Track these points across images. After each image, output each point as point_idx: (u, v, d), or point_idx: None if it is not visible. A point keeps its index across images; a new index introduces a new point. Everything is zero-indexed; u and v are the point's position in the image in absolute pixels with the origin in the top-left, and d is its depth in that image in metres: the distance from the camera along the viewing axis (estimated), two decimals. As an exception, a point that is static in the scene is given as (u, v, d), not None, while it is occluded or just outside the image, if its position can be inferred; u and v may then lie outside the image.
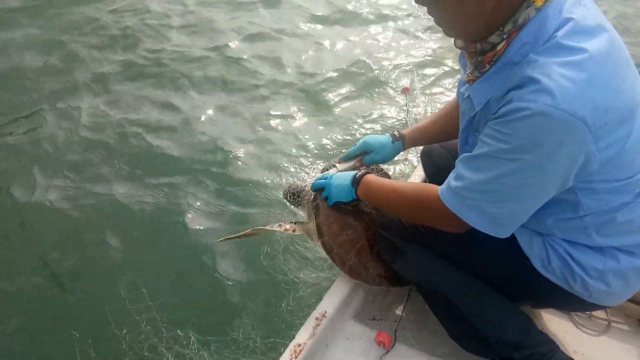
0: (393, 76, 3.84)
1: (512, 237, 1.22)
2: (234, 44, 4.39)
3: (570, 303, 1.29)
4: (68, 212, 2.60)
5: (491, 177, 1.03)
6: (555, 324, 1.67)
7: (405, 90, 3.48)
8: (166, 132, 3.24)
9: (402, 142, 1.67)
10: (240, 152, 3.00)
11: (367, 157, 1.67)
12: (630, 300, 1.65)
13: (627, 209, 1.10)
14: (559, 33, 0.96)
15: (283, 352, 1.38)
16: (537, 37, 0.98)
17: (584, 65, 0.92)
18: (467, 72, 1.13)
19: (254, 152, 2.99)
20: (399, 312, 1.64)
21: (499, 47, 1.03)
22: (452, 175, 1.13)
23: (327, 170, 1.69)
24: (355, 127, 3.21)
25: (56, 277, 2.25)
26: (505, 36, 1.01)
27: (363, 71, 3.91)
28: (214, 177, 2.78)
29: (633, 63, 1.06)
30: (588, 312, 1.71)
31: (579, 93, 0.91)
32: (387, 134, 1.70)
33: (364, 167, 1.69)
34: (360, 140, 1.69)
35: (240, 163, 2.89)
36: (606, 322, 1.69)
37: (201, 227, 2.44)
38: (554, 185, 1.03)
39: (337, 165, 1.68)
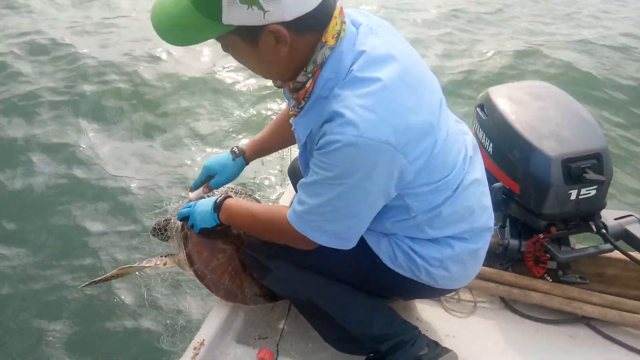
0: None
1: (363, 240, 1.32)
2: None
3: (423, 292, 1.41)
4: None
5: (324, 200, 1.13)
6: (428, 311, 1.80)
7: None
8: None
9: (244, 157, 1.68)
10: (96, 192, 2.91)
11: (212, 181, 1.67)
12: (490, 280, 1.82)
13: (449, 202, 1.24)
14: (355, 67, 1.07)
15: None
16: (338, 72, 1.09)
17: (379, 93, 1.04)
18: (291, 107, 1.23)
19: (111, 191, 2.92)
20: (281, 327, 1.68)
21: (307, 85, 1.13)
22: (296, 199, 1.22)
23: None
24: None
25: None
26: (310, 75, 1.11)
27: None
28: (72, 223, 2.67)
29: (429, 77, 1.21)
30: (457, 297, 1.86)
31: (379, 120, 1.02)
32: (227, 152, 1.70)
33: (212, 192, 1.69)
34: (202, 166, 1.69)
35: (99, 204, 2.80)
36: (472, 303, 1.85)
37: (62, 271, 2.32)
38: (379, 199, 1.15)
39: (190, 195, 1.68)
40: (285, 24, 0.99)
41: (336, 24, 1.07)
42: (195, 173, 2.93)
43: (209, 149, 3.32)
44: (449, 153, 1.22)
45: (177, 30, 1.03)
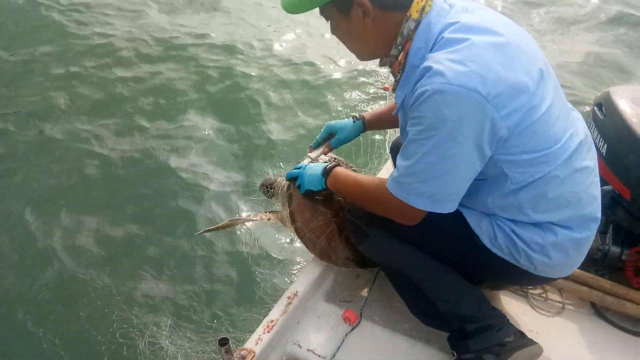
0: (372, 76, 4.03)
1: (463, 219, 1.34)
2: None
3: (518, 277, 1.40)
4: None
5: (418, 158, 1.17)
6: (514, 306, 1.79)
7: (385, 89, 3.64)
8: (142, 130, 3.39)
9: (362, 123, 1.81)
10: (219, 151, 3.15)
11: (333, 140, 1.80)
12: (583, 284, 1.78)
13: (556, 184, 1.23)
14: (445, 33, 1.15)
15: (257, 327, 1.49)
16: (427, 40, 1.18)
17: (467, 49, 1.10)
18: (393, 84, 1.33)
19: (233, 150, 3.17)
20: (365, 294, 1.75)
21: (400, 58, 1.24)
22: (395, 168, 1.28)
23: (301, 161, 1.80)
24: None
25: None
26: (400, 47, 1.23)
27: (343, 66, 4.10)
28: (192, 177, 2.92)
29: (531, 47, 1.23)
30: (544, 296, 1.84)
31: (466, 70, 1.08)
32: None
33: (332, 150, 1.81)
34: (324, 126, 1.83)
35: (219, 161, 3.02)
36: (561, 305, 1.81)
37: (181, 220, 2.54)
38: (472, 155, 1.15)
39: (309, 154, 1.79)
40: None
41: (420, 1, 1.18)
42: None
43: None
44: (552, 125, 1.20)
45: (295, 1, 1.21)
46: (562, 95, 1.32)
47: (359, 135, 1.83)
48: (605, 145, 1.77)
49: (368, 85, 4.09)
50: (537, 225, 1.28)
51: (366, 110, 1.84)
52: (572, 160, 1.24)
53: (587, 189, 1.29)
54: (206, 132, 3.38)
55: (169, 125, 3.45)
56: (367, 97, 3.94)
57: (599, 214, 1.34)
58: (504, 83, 1.10)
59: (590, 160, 1.32)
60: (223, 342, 1.28)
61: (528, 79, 1.15)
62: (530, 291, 1.85)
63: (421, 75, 1.13)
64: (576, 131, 1.29)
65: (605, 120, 1.80)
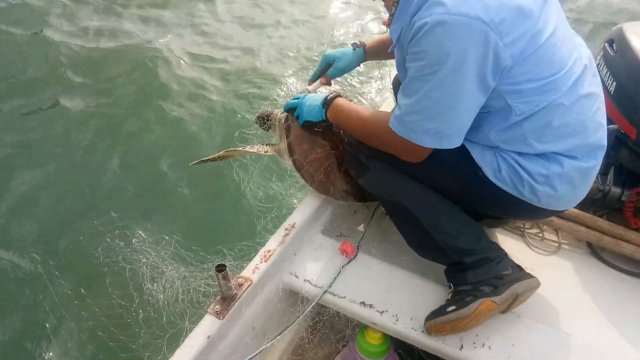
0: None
1: (466, 152, 1.31)
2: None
3: (522, 211, 1.38)
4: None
5: (421, 95, 1.13)
6: (510, 244, 1.79)
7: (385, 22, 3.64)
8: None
9: (363, 50, 1.71)
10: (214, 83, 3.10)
11: (330, 70, 1.71)
12: (581, 224, 1.78)
13: (561, 112, 1.18)
14: None
15: (254, 257, 1.48)
16: None
17: None
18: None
19: (228, 84, 3.14)
20: (362, 229, 1.74)
21: None
22: (396, 107, 1.23)
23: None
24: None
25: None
26: None
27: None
28: (188, 108, 2.88)
29: None
30: (541, 235, 1.84)
31: None
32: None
33: (331, 81, 1.73)
34: (322, 56, 1.73)
35: (214, 94, 2.96)
36: (557, 244, 1.81)
37: (175, 152, 2.52)
38: (476, 88, 1.11)
39: (307, 87, 1.72)
40: None
41: None
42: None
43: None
44: (558, 49, 1.15)
45: None
46: (564, 18, 1.26)
47: (359, 64, 1.74)
48: (615, 83, 1.72)
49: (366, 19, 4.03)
50: (541, 156, 1.25)
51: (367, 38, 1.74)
52: (577, 87, 1.20)
53: (593, 116, 1.25)
54: (202, 66, 3.29)
55: (164, 59, 3.37)
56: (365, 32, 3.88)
57: (605, 142, 1.30)
58: (507, 7, 1.04)
59: (596, 86, 1.27)
60: (220, 268, 1.27)
61: (533, 4, 1.09)
62: (527, 230, 1.85)
63: (418, 7, 1.07)
64: (580, 56, 1.24)
65: (616, 57, 1.74)
